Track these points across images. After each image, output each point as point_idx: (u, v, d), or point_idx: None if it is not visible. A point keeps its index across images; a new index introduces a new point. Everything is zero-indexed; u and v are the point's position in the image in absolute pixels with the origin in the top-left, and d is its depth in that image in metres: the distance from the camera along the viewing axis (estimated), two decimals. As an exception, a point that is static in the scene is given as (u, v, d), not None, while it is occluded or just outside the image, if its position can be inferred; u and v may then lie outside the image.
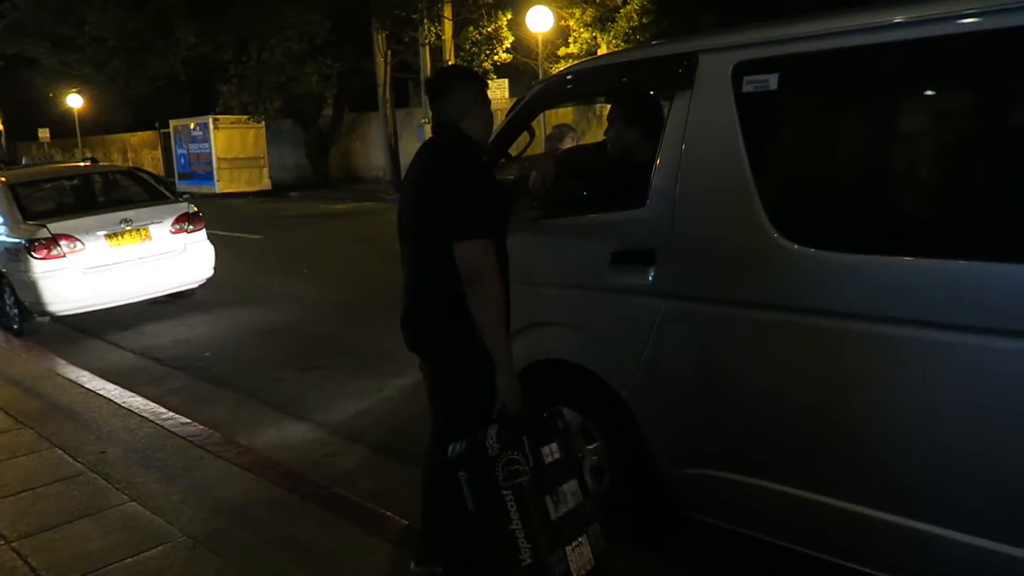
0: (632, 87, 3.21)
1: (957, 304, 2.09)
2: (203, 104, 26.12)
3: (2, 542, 3.24)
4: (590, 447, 3.05)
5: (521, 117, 3.30)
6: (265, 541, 3.15)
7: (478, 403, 2.43)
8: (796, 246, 2.36)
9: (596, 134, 19.00)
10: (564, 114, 19.21)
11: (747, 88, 2.50)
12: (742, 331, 2.54)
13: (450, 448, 2.38)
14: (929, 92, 2.42)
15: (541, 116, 6.17)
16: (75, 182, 8.90)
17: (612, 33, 16.67)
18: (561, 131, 5.01)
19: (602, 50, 16.59)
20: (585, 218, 3.00)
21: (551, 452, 2.36)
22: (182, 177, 25.83)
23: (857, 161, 2.52)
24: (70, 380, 5.53)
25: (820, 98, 2.55)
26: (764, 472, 2.57)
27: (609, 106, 3.52)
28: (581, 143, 4.63)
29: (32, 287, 6.99)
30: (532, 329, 3.15)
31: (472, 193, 2.41)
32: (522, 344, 3.17)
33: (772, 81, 2.44)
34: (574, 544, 2.34)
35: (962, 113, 2.32)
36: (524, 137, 3.35)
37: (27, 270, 6.97)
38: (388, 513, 3.31)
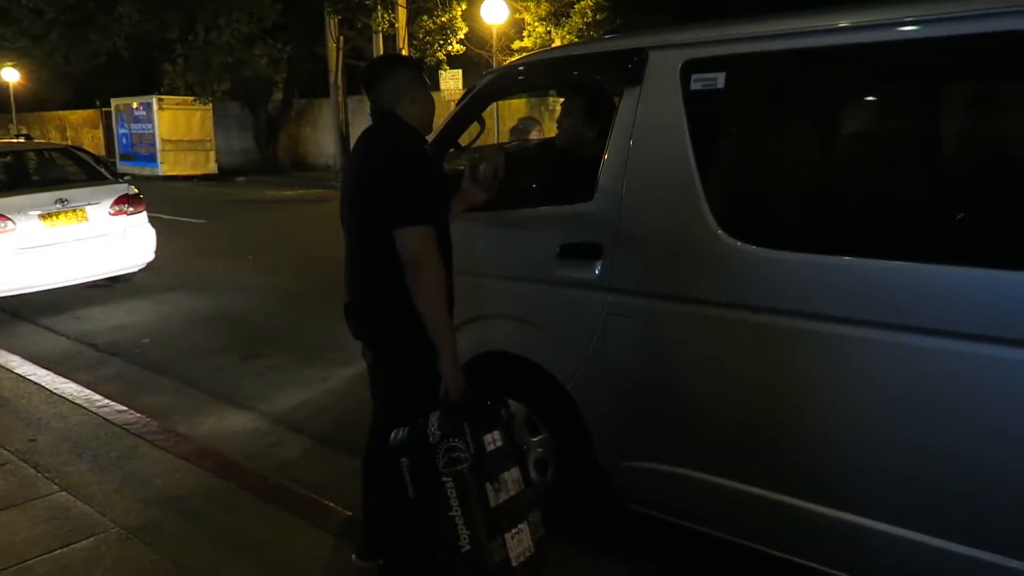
0: (583, 81, 3.23)
1: (893, 304, 2.15)
2: (148, 83, 25.33)
3: (-79, 533, 3.10)
4: (535, 439, 3.07)
5: (471, 107, 3.28)
6: (202, 533, 3.08)
7: (421, 391, 2.42)
8: (739, 243, 2.41)
9: (549, 128, 19.05)
10: (517, 106, 19.22)
11: (695, 86, 2.53)
12: (686, 326, 2.57)
13: (392, 434, 2.37)
14: (872, 96, 2.49)
15: (493, 106, 6.15)
16: (7, 159, 8.53)
17: (566, 28, 16.77)
18: (526, 124, 5.01)
19: (556, 44, 16.64)
20: (533, 210, 3.01)
21: (493, 440, 2.37)
22: (124, 158, 25.03)
23: (800, 162, 2.58)
24: (-1, 365, 5.32)
25: (766, 98, 2.60)
26: (705, 466, 2.61)
27: (561, 99, 3.53)
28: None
29: (-41, 268, 6.70)
30: (478, 321, 3.14)
31: (411, 180, 2.39)
32: (468, 335, 3.16)
33: (720, 80, 2.48)
34: (514, 531, 2.35)
35: (904, 116, 2.40)
36: (475, 127, 3.33)
37: (-46, 250, 6.68)
38: (330, 504, 3.28)
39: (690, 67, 2.54)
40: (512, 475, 2.39)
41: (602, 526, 3.13)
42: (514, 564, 2.33)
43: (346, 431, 4.15)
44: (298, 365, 5.46)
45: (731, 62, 2.48)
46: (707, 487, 2.61)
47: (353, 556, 2.78)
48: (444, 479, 2.28)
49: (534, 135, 4.40)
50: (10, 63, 29.89)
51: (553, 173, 3.29)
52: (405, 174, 2.40)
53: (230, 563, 2.86)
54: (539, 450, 3.07)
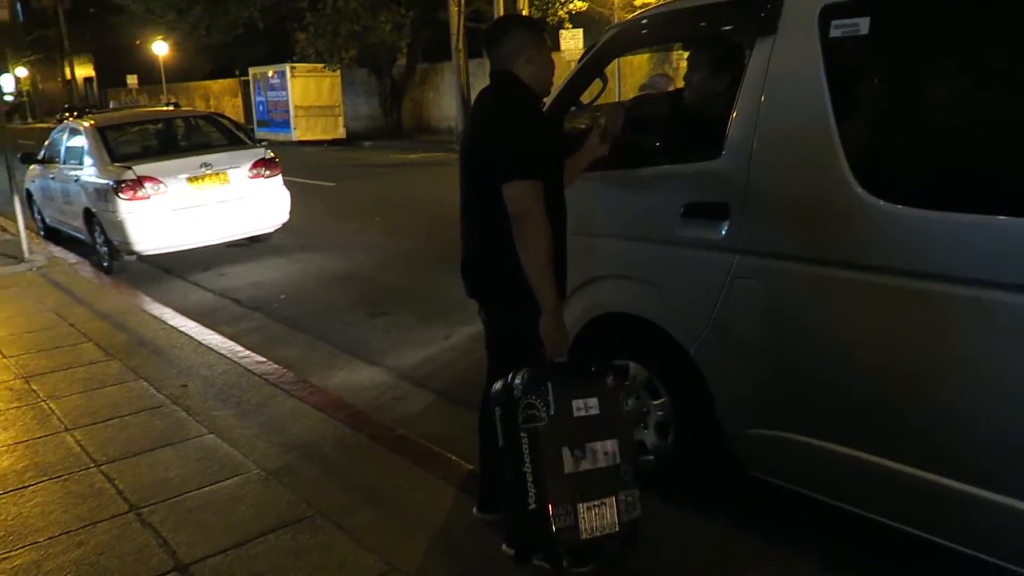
0: (710, 32, 3.08)
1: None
2: (280, 52, 26.48)
3: (92, 465, 3.45)
4: (655, 402, 3.03)
5: (593, 64, 3.21)
6: (333, 478, 3.26)
7: (528, 347, 2.44)
8: (882, 202, 2.25)
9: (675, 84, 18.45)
10: (639, 63, 18.73)
11: (835, 33, 2.36)
12: (818, 290, 2.45)
13: (495, 385, 2.41)
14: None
15: (615, 64, 5.98)
16: (159, 126, 9.20)
17: (693, -21, 16.08)
18: (656, 81, 4.87)
19: (682, -3, 16.01)
20: (656, 169, 2.93)
21: (585, 407, 2.30)
22: (260, 124, 26.39)
23: (953, 113, 2.36)
24: (154, 316, 5.80)
25: (916, 44, 2.39)
26: (834, 436, 2.50)
27: (686, 54, 3.40)
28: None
29: (119, 226, 7.31)
30: (599, 281, 3.12)
31: (519, 135, 2.41)
32: (588, 296, 3.16)
33: (863, 25, 2.30)
34: (591, 504, 2.29)
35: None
36: (596, 85, 3.26)
37: (115, 210, 7.29)
38: (453, 458, 3.38)
39: (829, 12, 2.37)
40: (605, 447, 2.31)
41: (722, 491, 3.08)
42: (584, 536, 2.29)
43: (467, 387, 4.25)
44: (422, 323, 5.63)
45: (875, 5, 2.29)
46: (834, 457, 2.49)
47: (474, 509, 2.86)
48: (521, 434, 2.28)
49: (664, 88, 4.25)
50: (159, 37, 32.03)
51: (678, 130, 3.18)
52: (513, 129, 2.42)
53: (358, 508, 3.01)
54: (659, 414, 3.03)
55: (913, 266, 2.22)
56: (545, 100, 2.68)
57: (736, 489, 3.04)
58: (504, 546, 2.58)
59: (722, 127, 2.65)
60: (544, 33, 2.63)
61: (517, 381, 2.32)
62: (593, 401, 2.32)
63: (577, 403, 2.30)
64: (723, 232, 2.63)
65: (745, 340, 2.66)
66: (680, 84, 3.64)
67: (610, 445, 2.33)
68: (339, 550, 2.74)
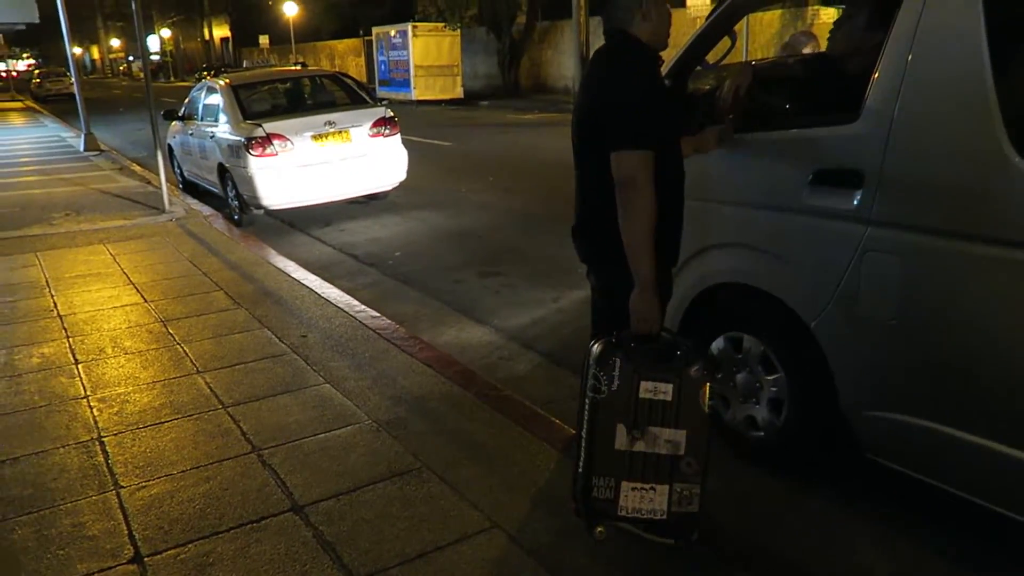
0: (855, -15, 2.86)
1: None
2: (403, 11, 26.87)
3: (220, 407, 3.67)
4: (770, 377, 2.91)
5: (722, 20, 3.04)
6: (440, 432, 3.33)
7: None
8: (1041, 173, 2.03)
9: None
10: (769, 20, 17.80)
11: (1000, -15, 2.13)
12: (961, 267, 2.25)
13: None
14: None
15: (744, 21, 5.69)
16: (287, 85, 9.55)
17: (834, -71, 15.02)
18: (798, 39, 4.60)
19: (820, -51, 15.02)
20: (784, 133, 2.76)
21: (655, 390, 2.22)
22: (382, 84, 26.99)
23: None
24: (278, 268, 6.09)
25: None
26: (966, 424, 2.32)
27: (820, 9, 3.16)
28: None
29: (249, 181, 7.69)
30: (715, 249, 3.01)
31: (630, 101, 2.30)
32: (703, 264, 3.06)
33: (1034, -25, 2.06)
34: (640, 486, 2.25)
35: None
36: (724, 43, 3.10)
37: (245, 165, 7.66)
38: (556, 421, 3.38)
39: (994, -38, 2.13)
40: (668, 435, 2.23)
41: (835, 472, 2.94)
42: (621, 513, 2.28)
43: (573, 351, 4.24)
44: (531, 285, 5.64)
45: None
46: (964, 447, 2.32)
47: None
48: (585, 400, 2.28)
49: (808, 51, 3.99)
50: (290, -3, 33.11)
51: (810, 92, 2.99)
52: (624, 94, 2.32)
53: (462, 463, 3.07)
54: (773, 389, 2.91)
55: (1075, 245, 2.00)
56: (664, 57, 2.56)
57: (849, 471, 2.89)
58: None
59: (860, 89, 2.46)
60: None
61: (593, 350, 2.30)
62: (666, 387, 2.23)
63: (646, 384, 2.23)
64: (855, 202, 2.46)
65: (874, 317, 2.49)
66: (823, 44, 3.41)
67: (676, 435, 2.25)
68: (443, 503, 2.81)
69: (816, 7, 15.99)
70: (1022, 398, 2.18)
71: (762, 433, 3.00)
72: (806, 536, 2.69)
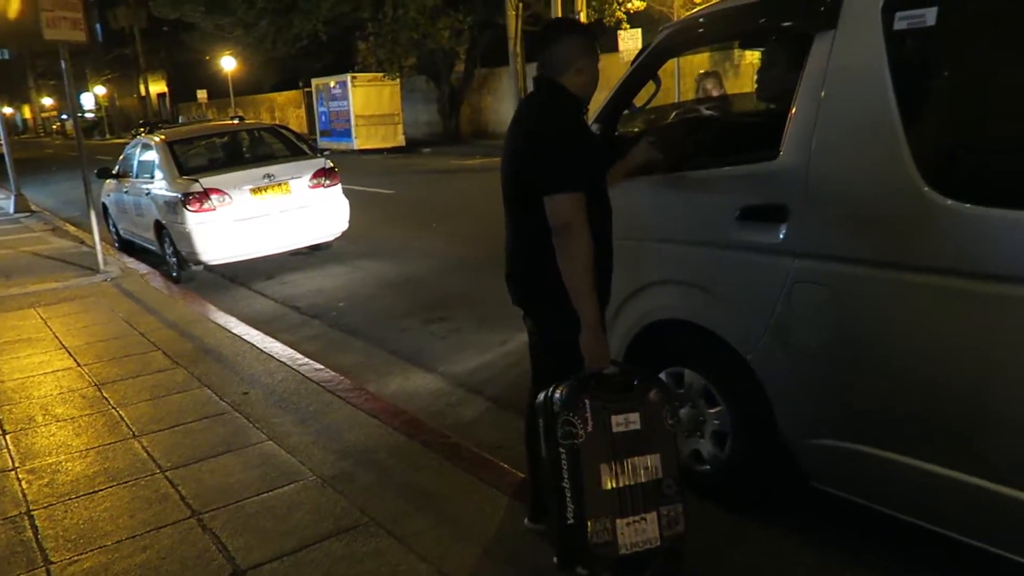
0: (768, 29, 2.98)
1: None
2: (342, 63, 27.04)
3: (157, 471, 3.54)
4: (712, 411, 2.94)
5: (647, 64, 3.14)
6: (387, 485, 3.27)
7: (574, 357, 2.38)
8: (950, 201, 2.13)
9: (734, 84, 18.11)
10: (699, 62, 18.43)
11: (899, 25, 2.25)
12: (884, 294, 2.33)
13: (538, 397, 2.38)
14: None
15: (674, 64, 5.89)
16: (224, 139, 9.47)
17: (754, -25, 15.71)
18: (704, 79, 4.79)
19: (743, -6, 15.69)
20: (711, 172, 2.84)
21: (626, 422, 2.26)
22: (323, 134, 26.99)
23: (1027, 106, 2.22)
24: (219, 325, 5.96)
25: (986, 35, 2.25)
26: (900, 447, 2.38)
27: (746, 52, 3.30)
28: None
29: (187, 237, 7.55)
30: (652, 287, 3.06)
31: (561, 146, 2.36)
32: (640, 302, 3.10)
33: (929, 16, 2.18)
34: (631, 519, 2.25)
35: None
36: (650, 87, 3.20)
37: (182, 221, 7.53)
38: (505, 466, 3.35)
39: (893, 4, 2.26)
40: (645, 462, 2.27)
41: (781, 503, 2.97)
42: (622, 552, 2.26)
43: (522, 394, 4.16)
44: (477, 329, 5.63)
45: (944, -5, 2.18)
46: (900, 470, 2.37)
47: (526, 520, 2.83)
48: (560, 449, 2.26)
49: (711, 88, 4.16)
50: (228, 52, 33.11)
51: (734, 131, 3.09)
52: (557, 142, 2.37)
53: (411, 515, 3.01)
54: (716, 422, 2.94)
55: (983, 268, 2.09)
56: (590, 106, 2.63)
57: (796, 500, 2.93)
58: (555, 557, 2.54)
59: (780, 127, 2.56)
60: (595, 42, 2.57)
61: (556, 396, 2.29)
62: (634, 416, 2.27)
63: (617, 418, 2.26)
64: (781, 235, 2.54)
65: (805, 346, 2.55)
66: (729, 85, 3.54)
67: (652, 460, 2.29)
68: (392, 558, 2.74)
69: (741, 50, 16.65)
70: (949, 418, 2.25)
71: (708, 467, 3.02)
72: (751, 568, 2.70)
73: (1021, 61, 2.21)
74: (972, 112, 2.29)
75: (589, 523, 2.24)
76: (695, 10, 3.28)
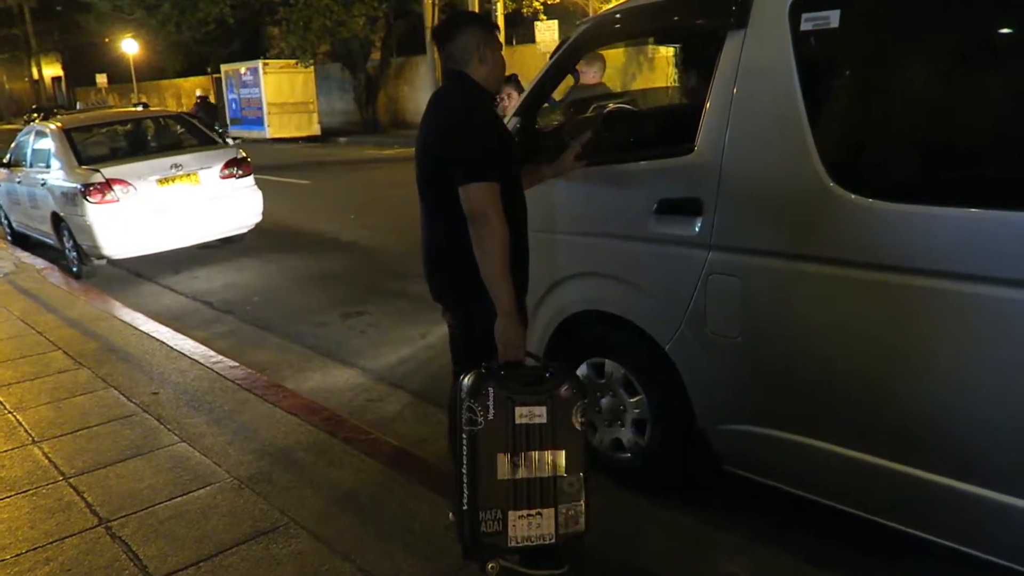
0: (682, 27, 3.06)
1: (1026, 260, 1.95)
2: (252, 48, 26.20)
3: (60, 478, 3.36)
4: (632, 400, 3.00)
5: (565, 59, 3.18)
6: (308, 484, 3.20)
7: (492, 349, 2.39)
8: (853, 196, 2.23)
9: (648, 78, 18.48)
10: (615, 56, 18.72)
11: (805, 26, 2.34)
12: (792, 285, 2.43)
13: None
14: (1008, 30, 2.23)
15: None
16: (128, 127, 9.04)
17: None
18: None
19: (656, -11, 16.00)
20: (629, 165, 2.89)
21: (531, 414, 2.26)
22: (234, 122, 26.06)
23: (923, 107, 2.35)
24: (125, 322, 5.69)
25: (886, 38, 2.37)
26: (806, 430, 2.49)
27: (659, 47, 3.37)
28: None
29: (88, 230, 7.17)
30: (572, 279, 3.10)
31: (473, 137, 2.37)
32: (562, 294, 3.13)
33: (833, 18, 2.28)
34: (524, 513, 2.26)
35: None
36: (569, 79, 3.23)
37: (83, 214, 7.14)
38: (428, 461, 3.34)
39: (799, 6, 2.34)
40: (548, 457, 2.27)
41: (702, 488, 3.07)
42: (511, 544, 2.28)
43: (444, 387, 4.16)
44: (397, 323, 5.57)
45: (847, -2, 2.28)
46: (806, 452, 2.49)
47: (450, 514, 2.82)
48: (462, 435, 2.27)
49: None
50: (129, 34, 31.55)
51: (649, 126, 3.15)
52: (469, 131, 2.38)
53: (333, 515, 2.96)
54: (636, 411, 3.00)
55: (885, 260, 2.20)
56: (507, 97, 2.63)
57: (716, 485, 3.03)
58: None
59: (694, 122, 2.62)
60: (495, 32, 2.59)
61: (465, 382, 2.29)
62: (540, 409, 2.26)
63: (521, 410, 2.25)
64: (696, 228, 2.61)
65: (719, 336, 2.64)
66: (647, 79, 3.61)
67: (555, 456, 2.28)
68: (314, 559, 2.69)
69: (655, 45, 17.00)
70: (851, 401, 2.37)
71: (629, 455, 3.09)
72: (672, 551, 2.78)
73: (918, 62, 2.34)
74: (874, 111, 2.40)
75: (480, 512, 2.25)
76: (610, 3, 3.32)
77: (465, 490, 2.27)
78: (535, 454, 2.26)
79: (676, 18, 2.96)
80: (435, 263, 2.60)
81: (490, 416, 2.23)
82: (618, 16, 3.19)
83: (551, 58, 3.23)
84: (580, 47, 3.21)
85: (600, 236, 2.98)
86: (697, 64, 3.02)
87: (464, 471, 2.27)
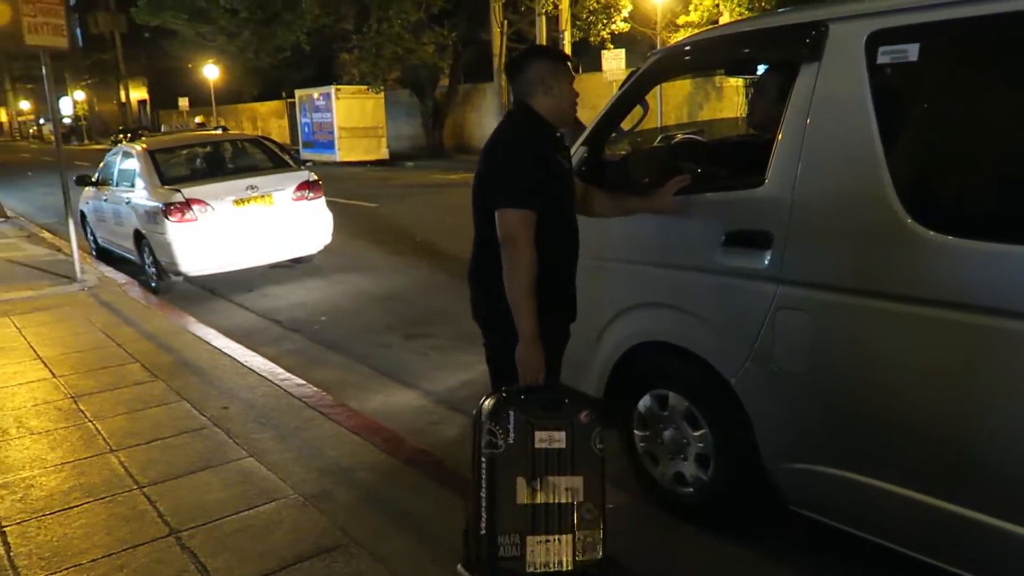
0: (754, 59, 3.05)
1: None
2: (325, 74, 27.01)
3: (135, 487, 3.49)
4: (696, 434, 2.96)
5: (635, 90, 3.19)
6: (368, 503, 3.25)
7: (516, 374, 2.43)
8: (931, 233, 2.18)
9: (715, 108, 18.34)
10: (681, 87, 18.67)
11: (882, 59, 2.31)
12: (865, 322, 2.37)
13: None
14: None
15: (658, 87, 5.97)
16: (207, 149, 9.40)
17: (736, 1, 15.97)
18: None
19: (724, 19, 15.93)
20: (696, 197, 2.88)
21: (550, 439, 2.27)
22: (306, 146, 26.88)
23: (1003, 143, 2.28)
24: (198, 337, 5.90)
25: (967, 71, 2.32)
26: (879, 473, 2.41)
27: (729, 79, 3.36)
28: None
29: (167, 247, 7.48)
30: (637, 309, 3.09)
31: (512, 164, 2.46)
32: (627, 324, 3.12)
33: (912, 52, 2.24)
34: (544, 538, 2.25)
35: None
36: (637, 111, 3.24)
37: (163, 231, 7.46)
38: (487, 485, 3.34)
39: (877, 39, 2.32)
40: (567, 483, 2.27)
41: (763, 526, 2.99)
42: (529, 570, 2.26)
43: (504, 413, 4.23)
44: (459, 346, 5.62)
45: (925, 32, 2.23)
46: (879, 495, 2.41)
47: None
48: (481, 458, 2.27)
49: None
50: (210, 60, 32.95)
51: (723, 157, 3.14)
52: (507, 158, 2.48)
53: (392, 535, 2.99)
54: (699, 445, 2.96)
55: (963, 299, 2.14)
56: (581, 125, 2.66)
57: (778, 523, 2.95)
58: (459, 566, 2.56)
59: (766, 155, 2.60)
60: (566, 63, 2.62)
61: (485, 405, 2.31)
62: (560, 435, 2.28)
63: (541, 434, 2.27)
64: (765, 262, 2.57)
65: (788, 372, 2.59)
66: (714, 109, 3.59)
67: (573, 481, 2.28)
68: (373, 580, 2.72)
69: (723, 75, 16.90)
70: (927, 445, 2.29)
71: (691, 489, 3.04)
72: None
73: (999, 97, 2.27)
74: (953, 146, 2.34)
75: (499, 536, 2.25)
76: (680, 33, 3.33)
77: (484, 513, 2.28)
78: (553, 479, 2.27)
79: (748, 50, 2.95)
80: (472, 283, 2.69)
81: (510, 440, 2.25)
82: (689, 48, 3.20)
83: (620, 88, 3.25)
84: (650, 78, 3.22)
85: (666, 267, 2.97)
86: (768, 96, 2.99)
87: (483, 495, 2.27)
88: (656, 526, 3.10)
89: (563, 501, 2.27)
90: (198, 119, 35.29)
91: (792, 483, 2.70)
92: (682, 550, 2.94)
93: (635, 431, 3.21)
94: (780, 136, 2.57)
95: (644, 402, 3.13)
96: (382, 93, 24.89)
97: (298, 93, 27.64)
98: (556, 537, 2.27)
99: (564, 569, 2.28)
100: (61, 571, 2.86)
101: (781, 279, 2.55)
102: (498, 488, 2.25)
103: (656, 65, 3.20)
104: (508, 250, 2.38)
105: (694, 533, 3.02)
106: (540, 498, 2.26)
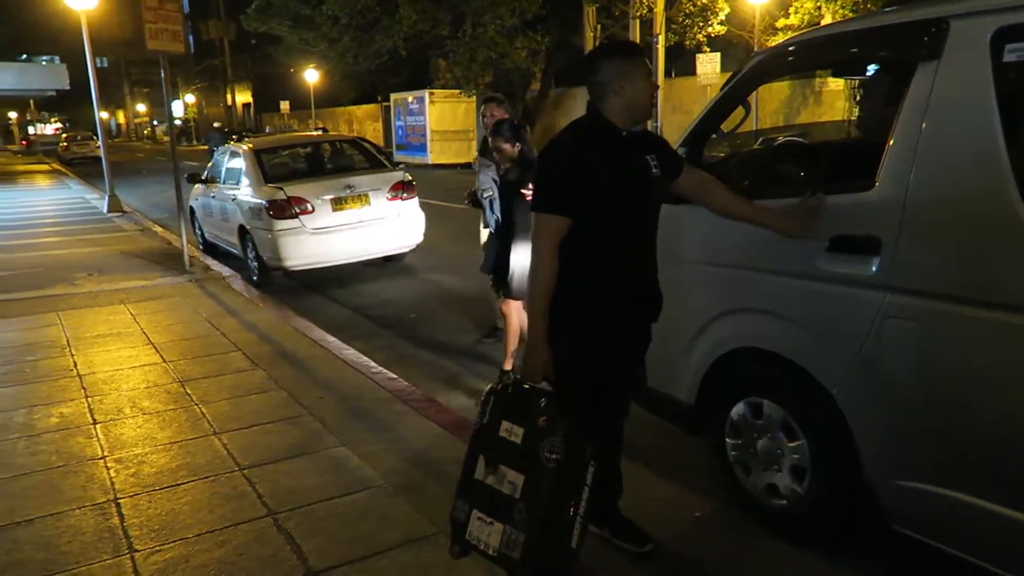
0: (864, 59, 2.94)
1: None
2: (420, 79, 27.58)
3: (236, 468, 3.66)
4: (792, 444, 2.87)
5: (737, 91, 3.13)
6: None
7: (566, 376, 2.52)
8: (1059, 241, 2.05)
9: (812, 112, 17.74)
10: (779, 89, 18.15)
11: (1009, 57, 2.18)
12: (982, 334, 2.24)
13: None
14: None
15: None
16: (308, 150, 9.78)
17: (839, 3, 15.40)
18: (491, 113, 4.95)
19: (826, 21, 15.38)
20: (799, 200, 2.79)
21: (510, 431, 2.41)
22: (399, 148, 27.54)
23: None
24: (295, 329, 6.13)
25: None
26: (994, 495, 2.28)
27: (828, 79, 3.25)
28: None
29: (270, 243, 7.80)
30: (735, 314, 3.02)
31: (547, 167, 2.51)
32: (723, 328, 3.06)
33: (1043, 49, 2.12)
34: (483, 517, 2.39)
35: None
36: (738, 112, 3.18)
37: (266, 228, 7.79)
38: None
39: (1004, 35, 2.19)
40: (513, 477, 2.37)
41: (862, 544, 2.87)
42: (468, 538, 2.42)
43: (591, 416, 4.21)
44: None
45: (1059, 28, 2.11)
46: (994, 519, 2.27)
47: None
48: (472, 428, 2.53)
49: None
50: (312, 65, 34.19)
51: (829, 159, 3.04)
52: (545, 163, 2.52)
53: (481, 530, 3.02)
54: (795, 456, 2.87)
55: (1098, 313, 2.00)
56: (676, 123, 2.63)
57: (877, 543, 2.83)
58: None
59: (876, 157, 2.50)
60: (639, 57, 2.52)
61: (488, 386, 2.54)
62: (518, 430, 2.40)
63: (505, 423, 2.42)
64: (873, 268, 2.47)
65: (896, 384, 2.48)
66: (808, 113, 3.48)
67: (516, 477, 2.37)
68: (461, 572, 2.76)
69: (824, 77, 16.33)
70: (1051, 468, 2.15)
71: (785, 502, 2.95)
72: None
73: None
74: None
75: (457, 498, 2.48)
76: (778, 36, 3.24)
77: (461, 476, 2.49)
78: (503, 468, 2.40)
79: (857, 50, 2.85)
80: None
81: (484, 420, 2.47)
82: (794, 48, 3.11)
83: (722, 89, 3.20)
84: (753, 79, 3.15)
85: (765, 271, 2.89)
86: (878, 97, 2.88)
87: (464, 460, 2.50)
88: (745, 537, 3.02)
89: (505, 492, 2.38)
90: (319, 125, 36.80)
91: (897, 502, 2.58)
92: (775, 567, 2.85)
93: (727, 439, 3.14)
94: (892, 137, 2.46)
95: (737, 409, 3.06)
96: (474, 97, 25.23)
97: (393, 97, 28.35)
98: (491, 520, 2.40)
99: (489, 553, 2.40)
100: (169, 544, 3.02)
101: (890, 287, 2.44)
102: (470, 457, 2.48)
103: (760, 65, 3.13)
104: (533, 253, 2.46)
105: (785, 547, 2.93)
106: (491, 480, 2.41)
